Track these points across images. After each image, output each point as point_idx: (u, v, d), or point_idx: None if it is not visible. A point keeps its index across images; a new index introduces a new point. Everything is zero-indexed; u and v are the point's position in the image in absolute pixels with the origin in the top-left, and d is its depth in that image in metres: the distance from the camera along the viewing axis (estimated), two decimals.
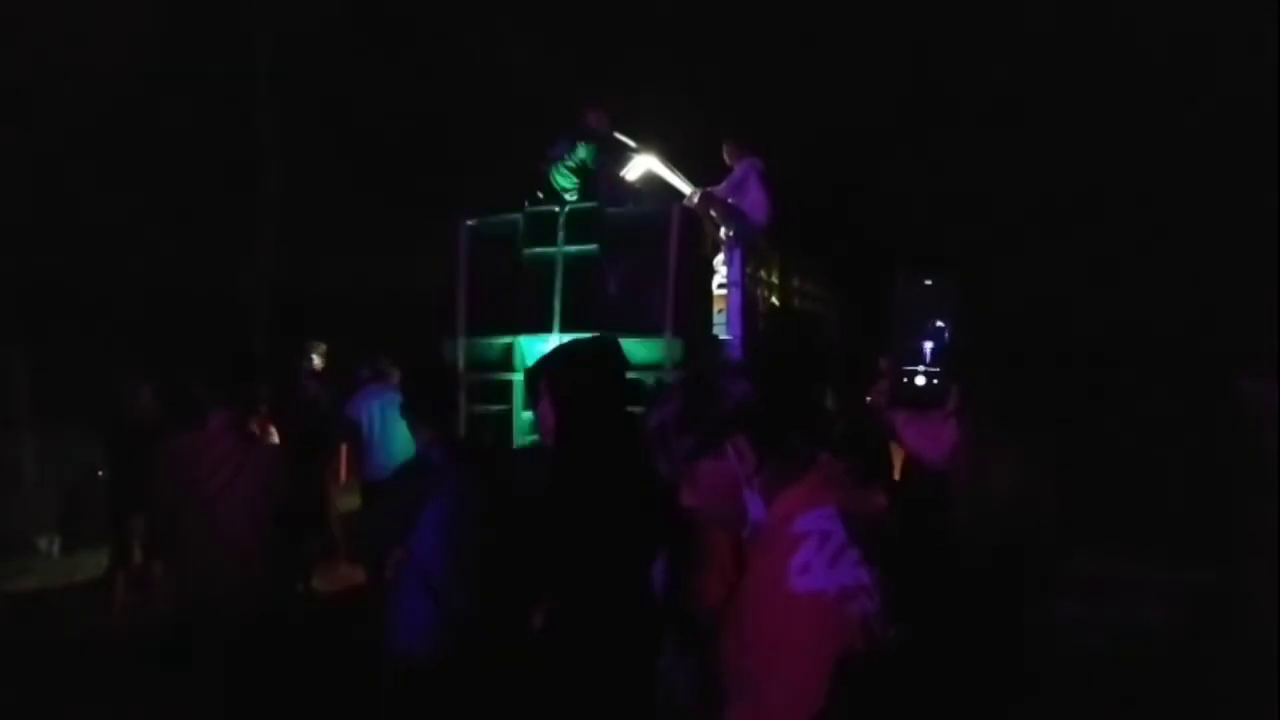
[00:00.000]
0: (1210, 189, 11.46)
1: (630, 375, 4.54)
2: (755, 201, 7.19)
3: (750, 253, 6.96)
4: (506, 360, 6.42)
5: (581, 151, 6.80)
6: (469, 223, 6.80)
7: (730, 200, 7.15)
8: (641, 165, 7.33)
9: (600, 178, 6.92)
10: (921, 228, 12.32)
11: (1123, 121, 12.25)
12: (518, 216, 6.80)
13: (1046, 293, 11.55)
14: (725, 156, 7.43)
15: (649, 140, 7.42)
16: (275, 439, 5.94)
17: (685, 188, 7.36)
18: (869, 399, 5.87)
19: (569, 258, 6.41)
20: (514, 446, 6.08)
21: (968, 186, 12.85)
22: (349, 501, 8.21)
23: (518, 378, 6.27)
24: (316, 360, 8.05)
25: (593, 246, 6.38)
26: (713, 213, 6.90)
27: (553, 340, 5.90)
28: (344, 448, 8.07)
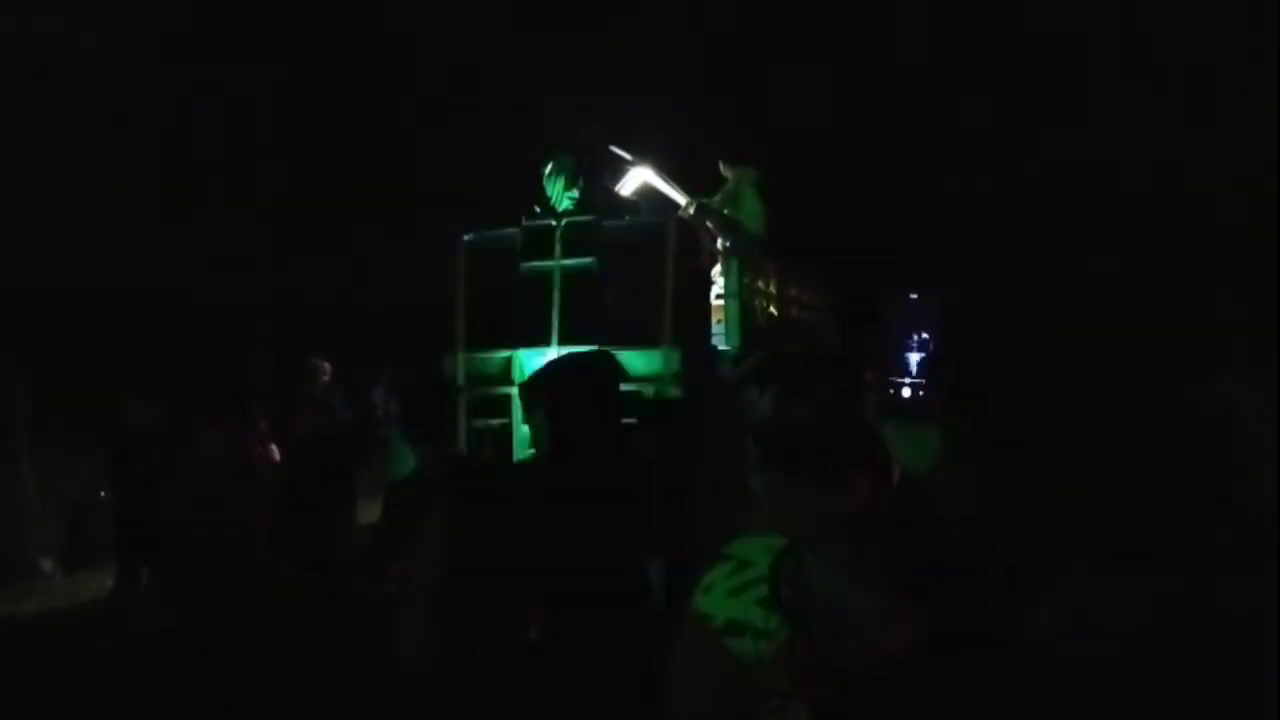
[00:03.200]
0: (1195, 198, 11.52)
1: (629, 387, 4.55)
2: (751, 212, 7.21)
3: (747, 264, 6.97)
4: (505, 374, 6.42)
5: (569, 163, 6.82)
6: (466, 237, 6.82)
7: (726, 211, 7.16)
8: (637, 177, 7.34)
9: (596, 190, 6.93)
10: (906, 242, 12.37)
11: (1111, 129, 12.31)
12: (515, 230, 6.81)
13: (1027, 304, 11.58)
14: (721, 169, 7.45)
15: (644, 152, 7.44)
16: (275, 456, 5.96)
17: (681, 199, 7.37)
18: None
19: (566, 271, 6.42)
20: (513, 460, 6.08)
21: (951, 199, 12.93)
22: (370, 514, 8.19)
23: (516, 391, 6.28)
24: (325, 378, 8.04)
25: (590, 260, 6.40)
26: (709, 224, 6.91)
27: (551, 354, 5.91)
28: None
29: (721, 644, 1.37)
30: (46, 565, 8.67)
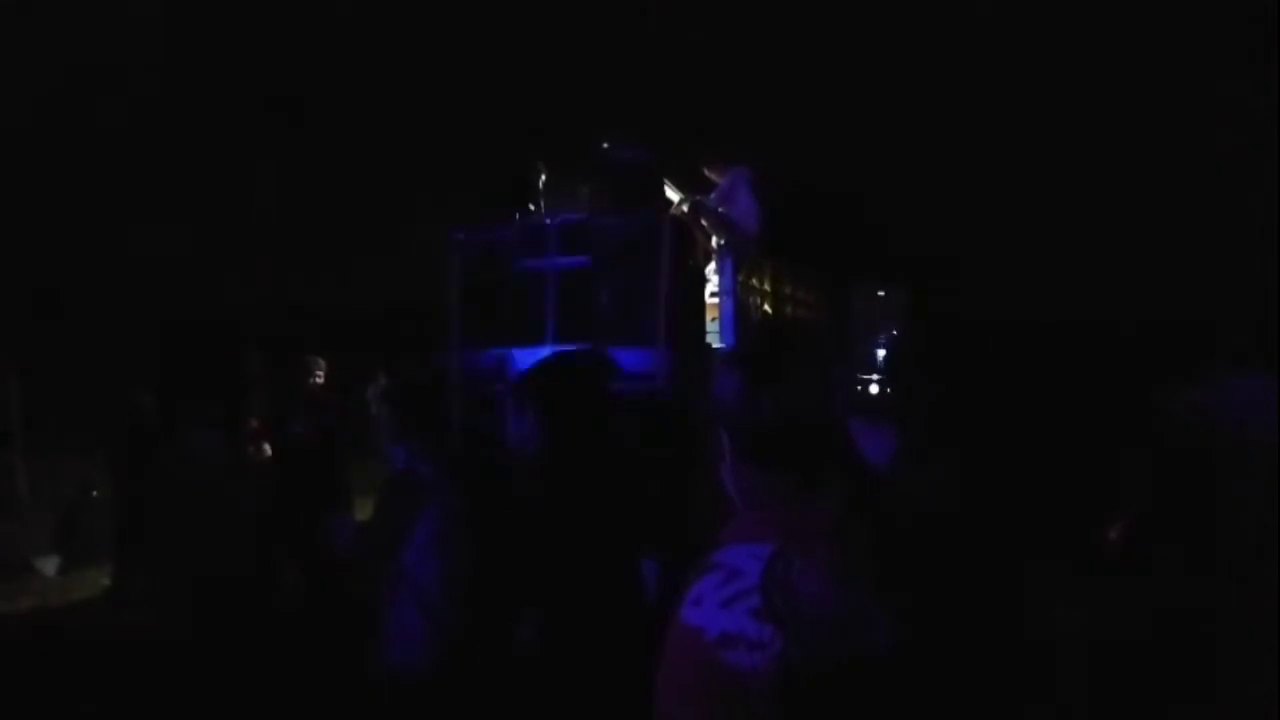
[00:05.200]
0: (1182, 191, 11.54)
1: (623, 386, 4.55)
2: (746, 210, 7.20)
3: (742, 261, 6.97)
4: (499, 372, 6.42)
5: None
6: (460, 235, 6.81)
7: (721, 209, 7.15)
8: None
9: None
10: (875, 237, 12.40)
11: (1083, 130, 12.34)
12: (509, 228, 6.81)
13: (998, 302, 11.56)
14: (706, 173, 7.43)
15: (639, 149, 7.41)
16: (268, 453, 5.95)
17: (675, 197, 7.36)
18: None
19: (561, 269, 6.41)
20: (505, 459, 6.07)
21: (922, 195, 12.96)
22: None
23: (509, 389, 6.27)
24: (318, 376, 8.02)
25: (584, 257, 6.39)
26: (704, 222, 6.91)
27: (546, 352, 5.90)
28: None
29: (716, 656, 1.35)
30: (41, 563, 8.65)
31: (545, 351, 5.94)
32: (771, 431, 1.49)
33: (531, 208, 6.96)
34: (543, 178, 7.18)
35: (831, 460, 1.52)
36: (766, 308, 7.61)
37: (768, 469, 1.51)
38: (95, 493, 8.34)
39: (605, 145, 7.01)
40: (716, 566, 1.45)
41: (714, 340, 6.73)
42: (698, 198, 7.21)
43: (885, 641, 1.33)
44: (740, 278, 6.90)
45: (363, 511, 8.09)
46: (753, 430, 1.51)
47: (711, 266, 6.92)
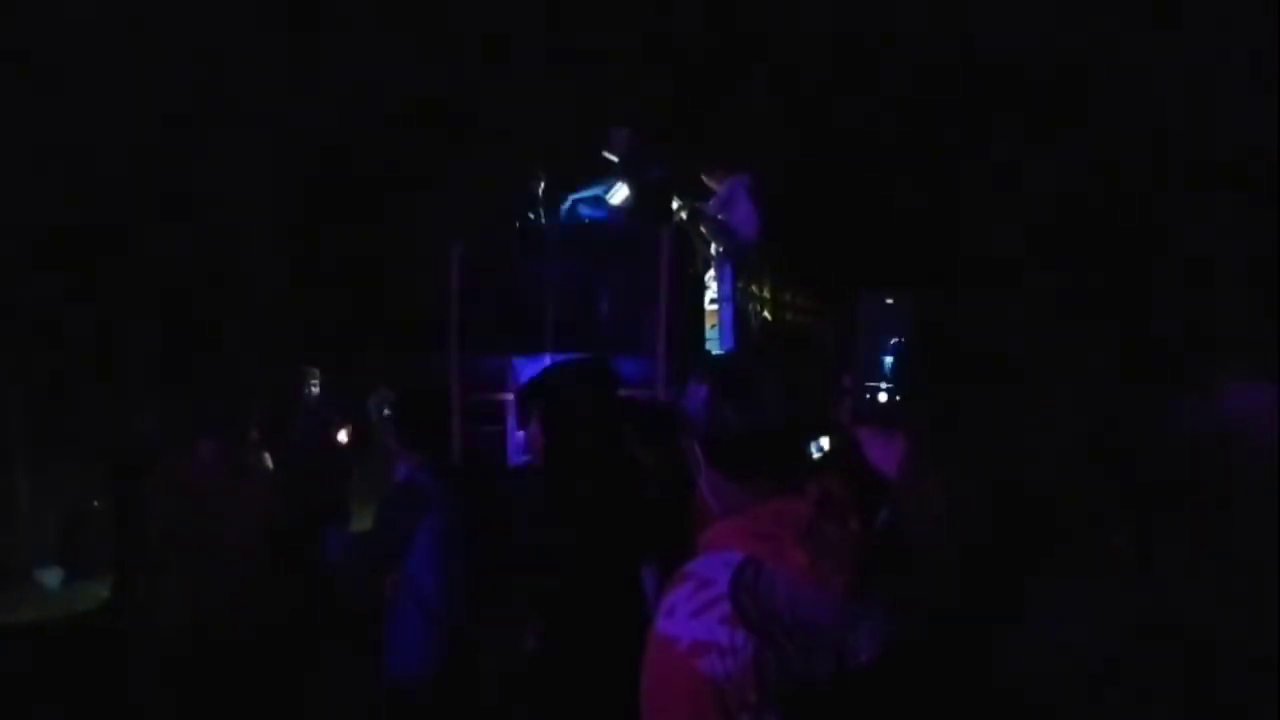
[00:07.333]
0: (1184, 196, 11.56)
1: (623, 393, 4.55)
2: (745, 217, 7.21)
3: (741, 268, 6.98)
4: (500, 380, 6.42)
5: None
6: (461, 243, 6.82)
7: (720, 216, 7.17)
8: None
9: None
10: (884, 244, 12.42)
11: (1086, 132, 12.36)
12: (510, 236, 6.83)
13: (1004, 308, 11.55)
14: (705, 180, 7.45)
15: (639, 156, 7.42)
16: (269, 465, 5.94)
17: (674, 203, 7.37)
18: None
19: (561, 277, 6.43)
20: (508, 467, 6.08)
21: (931, 204, 12.99)
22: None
23: (511, 398, 6.27)
24: (314, 386, 8.00)
25: (583, 265, 6.41)
26: (703, 229, 6.92)
27: (546, 359, 5.91)
28: None
29: (689, 665, 1.35)
30: (42, 575, 8.64)
31: (545, 360, 5.94)
32: (737, 441, 1.52)
33: (531, 215, 6.98)
34: (542, 185, 7.20)
35: (804, 466, 1.55)
36: (766, 314, 7.62)
37: (737, 478, 1.53)
38: (96, 504, 8.33)
39: (618, 159, 7.03)
40: (688, 576, 1.47)
41: (713, 347, 6.73)
42: (697, 205, 7.22)
43: (867, 648, 1.34)
44: (740, 284, 6.90)
45: (363, 521, 8.09)
46: (719, 441, 1.54)
47: (711, 273, 6.92)
